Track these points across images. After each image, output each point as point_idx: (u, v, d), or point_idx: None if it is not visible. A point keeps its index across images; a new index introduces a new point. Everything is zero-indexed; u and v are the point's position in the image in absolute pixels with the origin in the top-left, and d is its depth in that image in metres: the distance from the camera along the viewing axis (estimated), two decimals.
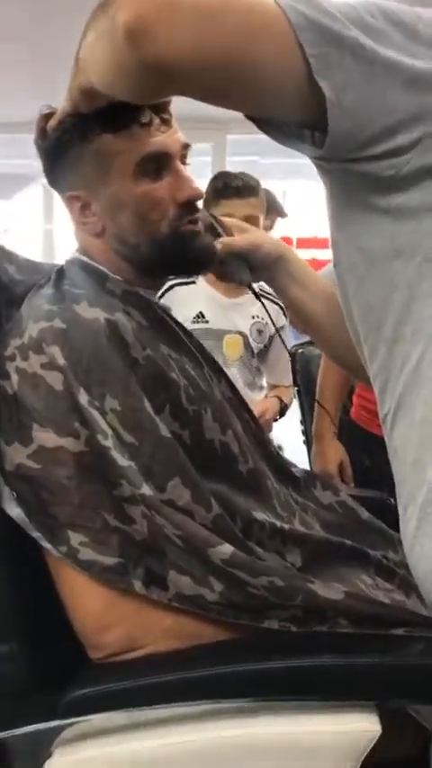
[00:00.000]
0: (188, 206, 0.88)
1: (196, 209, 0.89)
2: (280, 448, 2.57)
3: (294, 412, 2.12)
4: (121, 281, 0.92)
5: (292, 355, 2.17)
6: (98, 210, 0.89)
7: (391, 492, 1.38)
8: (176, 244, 0.88)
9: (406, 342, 0.70)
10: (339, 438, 1.72)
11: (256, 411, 1.61)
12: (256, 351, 1.76)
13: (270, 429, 1.86)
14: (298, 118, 0.68)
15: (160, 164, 0.86)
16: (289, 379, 1.86)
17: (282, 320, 1.80)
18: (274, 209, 2.70)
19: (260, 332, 1.76)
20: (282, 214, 2.73)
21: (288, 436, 2.30)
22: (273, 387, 1.88)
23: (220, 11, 0.62)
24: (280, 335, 1.73)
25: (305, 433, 2.15)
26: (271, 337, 1.78)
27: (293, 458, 1.43)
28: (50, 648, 0.80)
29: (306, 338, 2.52)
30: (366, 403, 1.70)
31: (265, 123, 0.72)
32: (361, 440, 1.71)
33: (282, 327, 1.80)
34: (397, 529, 1.14)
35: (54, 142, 0.87)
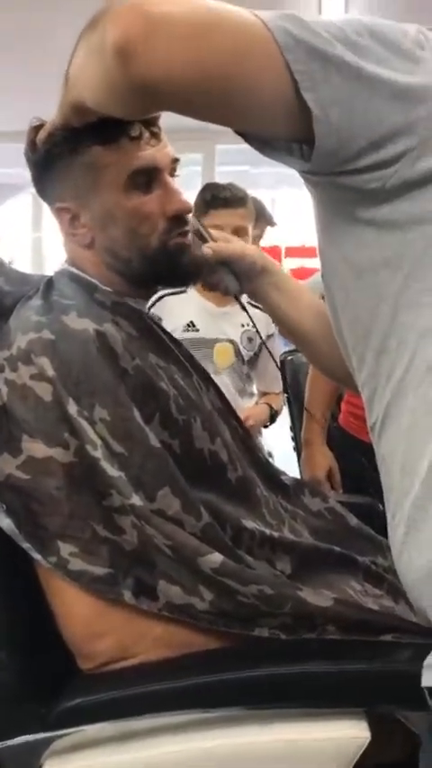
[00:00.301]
0: (177, 219, 0.89)
1: (185, 223, 0.90)
2: (270, 455, 2.58)
3: (284, 419, 2.13)
4: (110, 291, 0.92)
5: (282, 363, 2.18)
6: (88, 222, 0.89)
7: (380, 498, 1.39)
8: (167, 257, 0.89)
9: (392, 352, 0.71)
10: (328, 444, 1.73)
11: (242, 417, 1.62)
12: (246, 358, 1.77)
13: (257, 435, 1.87)
14: (286, 133, 0.69)
15: (150, 177, 0.87)
16: (279, 386, 1.88)
17: (271, 328, 1.82)
18: (263, 218, 2.71)
19: (250, 340, 1.77)
20: (271, 223, 2.75)
21: (278, 443, 2.31)
22: (263, 394, 1.89)
23: (209, 30, 0.63)
24: (266, 345, 1.75)
25: (295, 439, 2.17)
26: (261, 345, 1.79)
27: (283, 464, 1.43)
28: (41, 659, 0.80)
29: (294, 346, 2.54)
30: (355, 410, 1.72)
31: (252, 137, 0.73)
32: (350, 446, 1.72)
33: (271, 335, 1.82)
34: (386, 534, 1.15)
35: (44, 154, 0.87)
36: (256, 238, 2.67)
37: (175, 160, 0.90)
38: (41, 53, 3.53)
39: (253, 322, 1.19)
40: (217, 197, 1.65)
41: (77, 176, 0.87)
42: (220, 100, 0.66)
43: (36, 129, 0.89)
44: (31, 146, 0.89)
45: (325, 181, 0.72)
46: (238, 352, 1.74)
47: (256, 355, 1.80)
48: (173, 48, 0.62)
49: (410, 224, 0.68)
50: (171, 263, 0.90)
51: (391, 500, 0.74)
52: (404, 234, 0.69)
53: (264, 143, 0.73)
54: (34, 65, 3.68)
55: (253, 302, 1.82)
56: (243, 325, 1.76)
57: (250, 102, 0.66)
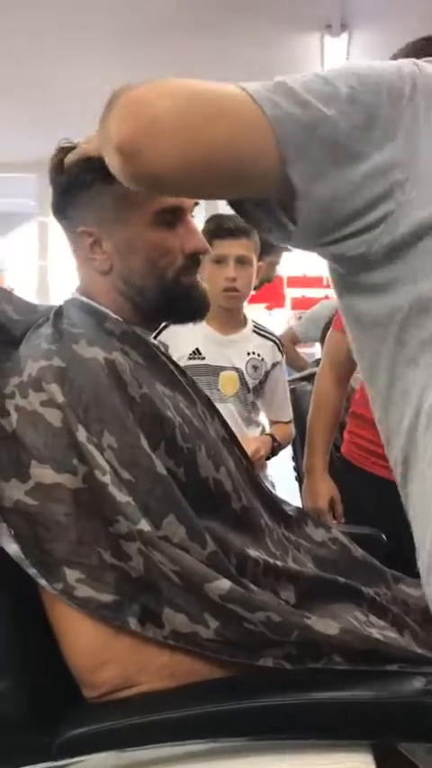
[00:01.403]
0: (194, 258, 0.94)
1: (199, 262, 0.96)
2: (272, 484, 2.57)
3: (286, 448, 2.14)
4: (119, 321, 0.94)
5: None
6: (109, 249, 0.93)
7: (382, 527, 1.39)
8: (180, 291, 0.94)
9: (398, 403, 0.73)
10: (331, 474, 1.73)
11: (250, 449, 1.62)
12: (251, 386, 1.78)
13: (263, 467, 1.87)
14: (278, 204, 0.72)
15: (175, 216, 0.92)
16: (287, 416, 1.88)
17: (278, 356, 1.83)
18: (281, 247, 2.74)
19: (255, 368, 1.78)
20: (287, 248, 2.78)
21: (280, 472, 2.31)
22: (273, 423, 1.90)
23: (205, 124, 0.67)
24: (267, 373, 1.77)
25: (297, 469, 2.17)
26: (266, 373, 1.80)
27: (285, 494, 1.43)
28: (45, 687, 0.80)
29: (298, 375, 2.56)
30: (357, 439, 1.72)
31: (243, 210, 0.77)
32: (352, 476, 1.72)
33: (277, 363, 1.83)
34: (390, 565, 1.15)
35: (74, 178, 0.91)
36: (273, 264, 2.71)
37: (196, 203, 0.96)
38: (43, 92, 3.64)
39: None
40: (221, 227, 1.69)
41: (107, 205, 0.91)
42: (216, 181, 0.71)
43: (65, 150, 0.92)
44: (59, 166, 0.92)
45: (313, 250, 0.75)
46: (243, 381, 1.75)
47: (262, 384, 1.80)
48: (172, 144, 0.66)
49: (395, 286, 0.70)
50: (183, 297, 0.95)
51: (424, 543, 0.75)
52: (391, 295, 0.71)
53: (253, 215, 0.77)
54: (37, 102, 3.78)
55: (262, 328, 1.84)
56: (249, 353, 1.77)
57: (245, 178, 0.71)
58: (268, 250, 2.69)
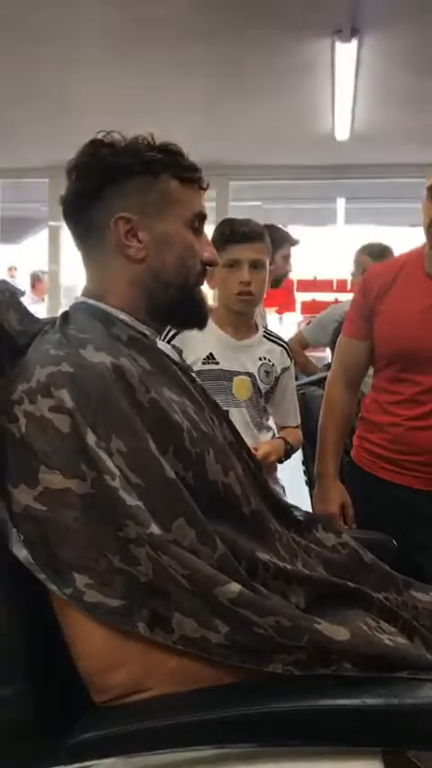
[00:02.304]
0: (206, 267, 1.01)
1: (206, 273, 1.03)
2: (282, 488, 2.56)
3: (297, 453, 2.13)
4: (126, 325, 0.94)
5: None
6: (146, 239, 0.96)
7: (392, 533, 1.39)
8: (196, 295, 1.02)
9: None
10: (341, 479, 1.72)
11: (261, 452, 1.62)
12: (263, 391, 1.79)
13: (274, 470, 1.87)
14: None
15: (201, 224, 1.00)
16: (295, 420, 1.88)
17: (286, 362, 1.83)
18: (286, 241, 2.77)
19: (267, 373, 1.79)
20: (292, 241, 2.81)
21: (290, 476, 2.30)
22: (281, 428, 1.90)
23: None
24: (277, 378, 1.77)
25: (307, 473, 2.16)
26: (276, 379, 1.81)
27: (295, 498, 1.42)
28: (54, 692, 0.80)
29: (307, 379, 2.56)
30: (367, 444, 1.71)
31: None
32: (361, 481, 1.71)
33: (287, 368, 1.83)
34: (400, 570, 1.15)
35: (123, 166, 0.95)
36: (287, 258, 2.74)
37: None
38: (55, 98, 3.66)
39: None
40: (236, 231, 1.70)
41: (152, 197, 0.95)
42: None
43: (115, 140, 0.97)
44: (114, 150, 0.96)
45: None
46: (255, 385, 1.76)
47: (273, 389, 1.81)
48: None
49: None
50: (199, 303, 1.02)
51: None
52: None
53: None
54: (49, 108, 3.81)
55: (271, 334, 1.85)
56: (261, 359, 1.78)
57: None
58: (277, 245, 2.72)
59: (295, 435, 1.87)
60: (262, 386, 1.76)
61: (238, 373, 1.74)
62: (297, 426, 1.89)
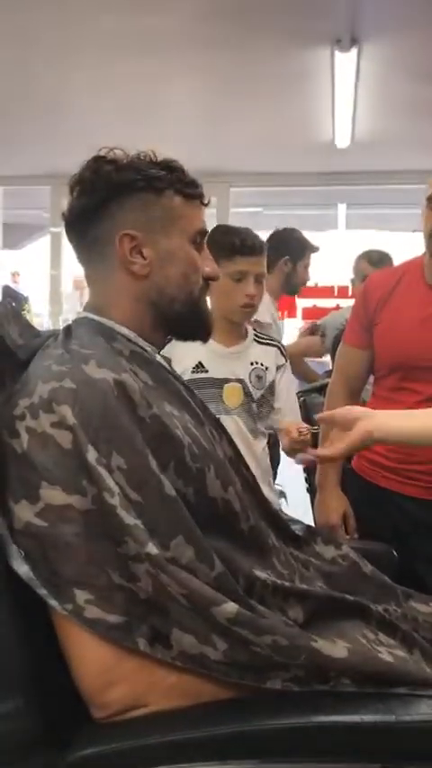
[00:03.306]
0: (207, 281, 1.02)
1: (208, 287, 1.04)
2: (283, 494, 2.56)
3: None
4: (128, 340, 0.95)
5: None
6: (150, 256, 0.96)
7: (394, 543, 1.38)
8: (201, 310, 1.03)
9: None
10: (342, 487, 1.72)
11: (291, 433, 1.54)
12: (256, 397, 1.78)
13: (268, 476, 1.85)
14: None
15: (202, 239, 1.02)
16: (297, 419, 1.86)
17: (281, 360, 1.84)
18: (307, 248, 2.76)
19: (259, 378, 1.78)
20: (314, 249, 2.81)
21: (292, 484, 2.31)
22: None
23: None
24: (273, 381, 1.77)
25: (308, 480, 2.16)
26: (272, 382, 1.80)
27: (297, 506, 1.41)
28: (54, 707, 0.80)
29: (308, 386, 2.56)
30: (368, 453, 1.71)
31: None
32: (362, 490, 1.71)
33: (281, 366, 1.83)
34: (400, 581, 1.15)
35: (127, 183, 0.96)
36: (307, 267, 2.75)
37: None
38: (57, 108, 3.68)
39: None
40: (245, 244, 1.70)
41: (155, 213, 0.96)
42: None
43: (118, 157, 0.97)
44: (117, 166, 0.97)
45: None
46: (247, 392, 1.75)
47: (264, 396, 1.79)
48: None
49: None
50: (204, 317, 1.04)
51: None
52: None
53: None
54: (50, 116, 3.83)
55: (262, 336, 1.85)
56: (252, 363, 1.77)
57: None
58: (299, 254, 2.73)
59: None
60: (254, 391, 1.75)
61: (228, 380, 1.74)
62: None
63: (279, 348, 1.84)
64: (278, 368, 1.80)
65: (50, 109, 3.75)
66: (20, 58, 3.14)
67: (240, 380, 1.74)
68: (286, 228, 2.79)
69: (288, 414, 1.83)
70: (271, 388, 1.79)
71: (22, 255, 6.70)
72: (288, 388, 1.84)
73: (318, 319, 3.32)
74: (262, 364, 1.77)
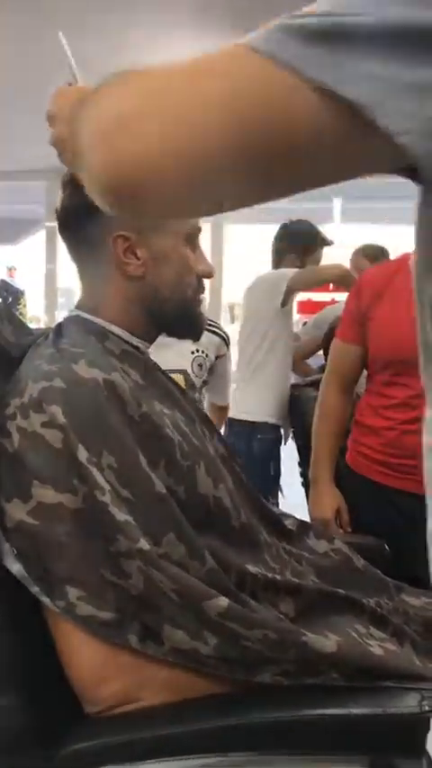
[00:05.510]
0: (201, 279, 1.02)
1: (203, 285, 1.04)
2: (279, 489, 2.57)
3: (293, 452, 2.15)
4: (119, 339, 0.95)
5: (290, 397, 2.20)
6: (144, 256, 0.96)
7: (387, 537, 1.39)
8: (194, 309, 1.03)
9: None
10: (337, 482, 1.73)
11: None
12: (198, 385, 1.79)
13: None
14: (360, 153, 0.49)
15: (195, 239, 1.01)
16: (224, 400, 1.95)
17: (222, 350, 1.86)
18: (321, 242, 2.66)
19: (200, 366, 1.80)
20: (328, 243, 2.73)
21: (287, 477, 2.32)
22: (219, 408, 1.92)
23: (215, 129, 0.48)
24: (212, 366, 1.79)
25: (303, 474, 2.17)
26: (211, 367, 1.83)
27: (292, 499, 1.42)
28: (46, 702, 0.81)
29: (302, 381, 2.56)
30: (361, 448, 1.72)
31: None
32: (356, 484, 1.72)
33: (221, 356, 1.85)
34: (392, 575, 1.16)
35: None
36: (318, 262, 2.72)
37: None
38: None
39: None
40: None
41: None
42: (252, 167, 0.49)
43: None
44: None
45: None
46: (189, 381, 1.75)
47: (206, 382, 1.83)
48: (164, 149, 0.48)
49: None
50: (197, 316, 1.04)
51: None
52: None
53: None
54: (45, 111, 3.81)
55: (212, 324, 1.85)
56: (193, 352, 1.78)
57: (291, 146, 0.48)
58: (311, 250, 2.69)
59: (224, 415, 1.90)
60: (195, 380, 1.77)
61: (171, 371, 1.75)
62: (226, 406, 1.93)
63: (224, 338, 1.85)
64: (218, 357, 1.82)
65: (45, 103, 3.73)
66: (17, 52, 3.12)
67: (182, 371, 1.74)
68: (299, 220, 2.71)
69: (217, 394, 1.87)
70: (210, 371, 1.81)
71: (18, 250, 6.69)
72: (225, 377, 1.88)
73: (314, 313, 3.31)
74: (203, 352, 1.78)
